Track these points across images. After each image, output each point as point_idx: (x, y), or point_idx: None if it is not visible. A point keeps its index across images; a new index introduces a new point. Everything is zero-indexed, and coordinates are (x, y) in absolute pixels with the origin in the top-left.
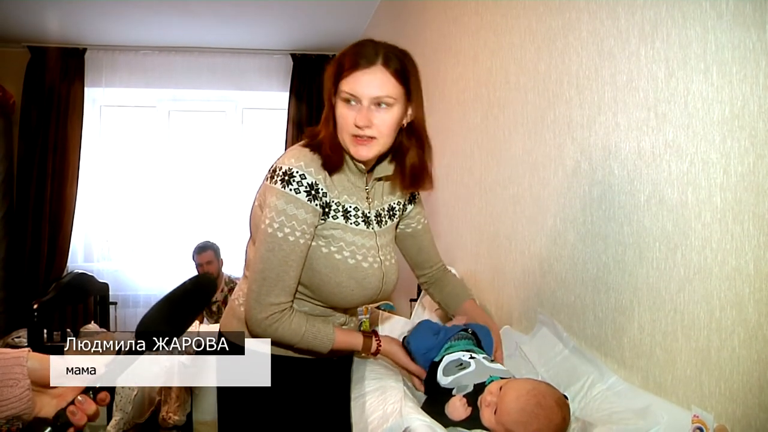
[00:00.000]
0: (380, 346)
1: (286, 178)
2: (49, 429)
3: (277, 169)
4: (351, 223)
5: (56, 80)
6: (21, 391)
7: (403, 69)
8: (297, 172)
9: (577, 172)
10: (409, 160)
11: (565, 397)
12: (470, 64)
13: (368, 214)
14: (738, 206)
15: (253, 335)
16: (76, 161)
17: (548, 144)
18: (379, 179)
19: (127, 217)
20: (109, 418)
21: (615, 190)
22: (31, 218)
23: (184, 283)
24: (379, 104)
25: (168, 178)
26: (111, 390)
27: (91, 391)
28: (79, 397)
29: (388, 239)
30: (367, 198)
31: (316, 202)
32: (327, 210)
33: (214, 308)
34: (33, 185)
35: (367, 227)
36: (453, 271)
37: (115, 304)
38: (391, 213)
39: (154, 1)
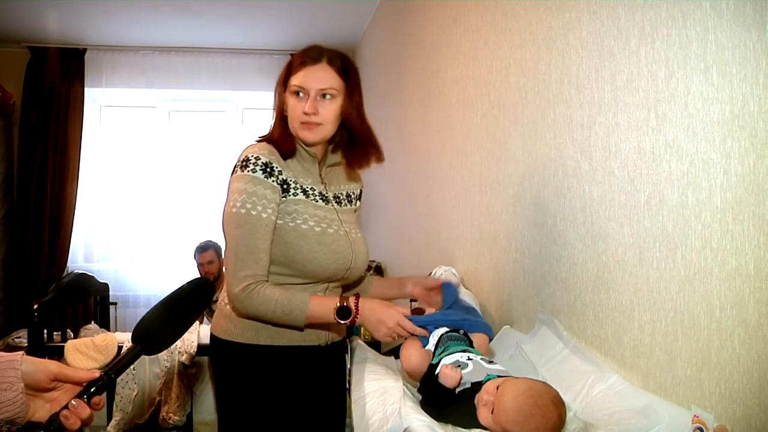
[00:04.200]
0: (357, 308)
1: (244, 163)
2: None
3: (237, 162)
4: (311, 199)
5: (56, 80)
6: (15, 395)
7: (345, 67)
8: (252, 155)
9: (577, 172)
10: (350, 147)
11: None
12: (470, 63)
13: (326, 195)
14: (738, 206)
15: (236, 312)
16: (76, 161)
17: (548, 144)
18: (331, 166)
19: (127, 217)
20: (109, 418)
21: (615, 190)
22: (31, 218)
23: (183, 286)
24: (324, 95)
25: (168, 178)
26: (111, 393)
27: (85, 396)
28: (73, 402)
29: (351, 218)
30: (322, 183)
31: (273, 178)
32: (286, 187)
33: (214, 307)
34: (33, 185)
35: (327, 204)
36: (453, 271)
37: (115, 304)
38: (349, 199)
39: (154, 1)
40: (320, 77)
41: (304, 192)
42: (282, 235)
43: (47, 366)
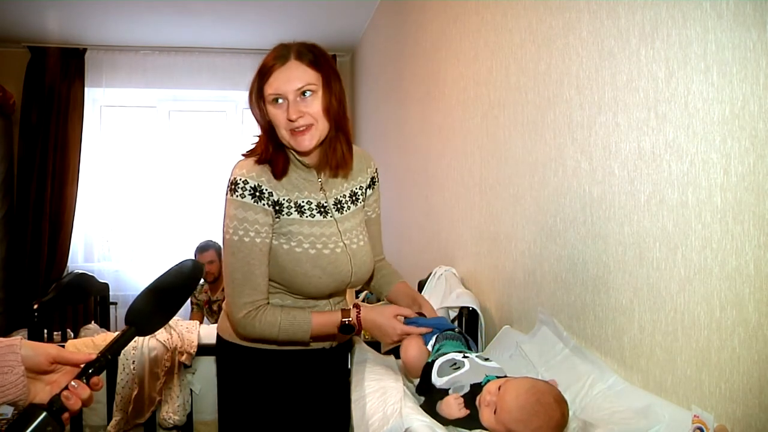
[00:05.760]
0: (360, 314)
1: (233, 187)
2: (44, 414)
3: (229, 183)
4: (306, 217)
5: (56, 80)
6: (16, 378)
7: (316, 58)
8: (240, 179)
9: (577, 172)
10: (339, 146)
11: None
12: (470, 63)
13: (325, 204)
14: (738, 206)
15: (239, 336)
16: (76, 161)
17: (548, 144)
18: (328, 169)
19: (127, 217)
20: (109, 418)
21: (615, 190)
22: (31, 218)
23: (170, 269)
24: (303, 94)
25: (168, 178)
26: (111, 393)
27: (84, 377)
28: (72, 383)
29: (354, 224)
30: (321, 189)
31: (263, 202)
32: (278, 208)
33: (215, 308)
34: (33, 185)
35: (325, 216)
36: (453, 271)
37: (115, 304)
38: (354, 198)
39: (154, 1)
40: (293, 77)
41: (299, 209)
42: (277, 258)
43: (46, 349)
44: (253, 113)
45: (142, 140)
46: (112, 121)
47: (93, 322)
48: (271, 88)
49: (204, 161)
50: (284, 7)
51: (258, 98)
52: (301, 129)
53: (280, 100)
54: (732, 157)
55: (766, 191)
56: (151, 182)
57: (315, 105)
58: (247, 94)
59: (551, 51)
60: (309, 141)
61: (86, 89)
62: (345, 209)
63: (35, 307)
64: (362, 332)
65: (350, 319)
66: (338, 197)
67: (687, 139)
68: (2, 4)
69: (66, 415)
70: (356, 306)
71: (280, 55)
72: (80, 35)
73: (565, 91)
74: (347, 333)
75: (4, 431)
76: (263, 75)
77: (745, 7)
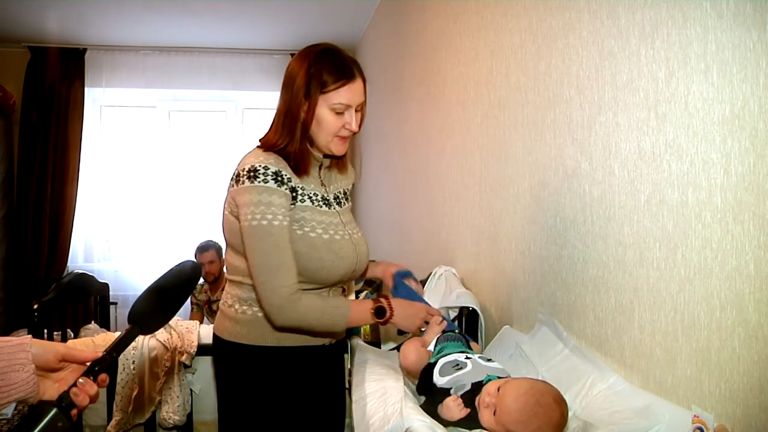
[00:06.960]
0: (391, 307)
1: (252, 174)
2: (55, 410)
3: (241, 172)
4: (316, 205)
5: (56, 80)
6: (27, 375)
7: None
8: (260, 165)
9: (577, 172)
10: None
11: None
12: (471, 63)
13: (327, 197)
14: (738, 206)
15: (282, 326)
16: (76, 161)
17: (548, 144)
18: (327, 166)
19: (127, 217)
20: (109, 418)
21: (615, 190)
22: (31, 218)
23: (171, 269)
24: (358, 108)
25: (168, 178)
26: (111, 393)
27: (91, 374)
28: (80, 380)
29: (350, 217)
30: (322, 185)
31: (284, 186)
32: (294, 194)
33: (215, 308)
34: (33, 185)
35: (329, 208)
36: (453, 271)
37: (115, 304)
38: (346, 196)
39: (154, 1)
40: (360, 92)
41: (310, 199)
42: (291, 244)
43: (55, 347)
44: (293, 111)
45: (142, 140)
46: (112, 121)
47: (93, 322)
48: (342, 98)
49: (204, 161)
50: (284, 6)
51: (309, 99)
52: (346, 136)
53: (341, 110)
54: (732, 157)
55: (766, 191)
56: (151, 182)
57: (359, 118)
58: (249, 94)
59: (551, 51)
60: (345, 147)
61: (86, 89)
62: (342, 204)
63: (35, 307)
64: (362, 331)
65: (380, 303)
66: (336, 193)
67: (687, 139)
68: (2, 4)
69: (74, 411)
70: (384, 296)
71: (349, 68)
72: (80, 35)
73: (565, 91)
74: (381, 317)
75: (17, 427)
76: (327, 83)
77: (745, 7)
